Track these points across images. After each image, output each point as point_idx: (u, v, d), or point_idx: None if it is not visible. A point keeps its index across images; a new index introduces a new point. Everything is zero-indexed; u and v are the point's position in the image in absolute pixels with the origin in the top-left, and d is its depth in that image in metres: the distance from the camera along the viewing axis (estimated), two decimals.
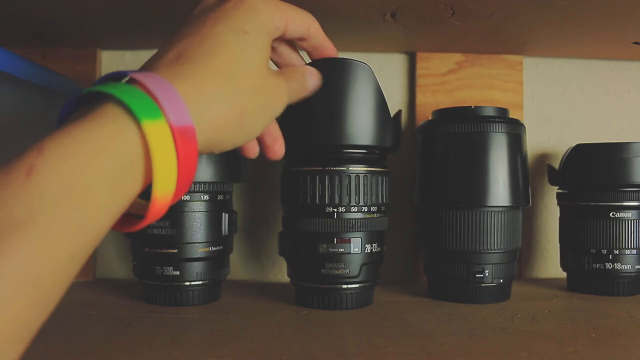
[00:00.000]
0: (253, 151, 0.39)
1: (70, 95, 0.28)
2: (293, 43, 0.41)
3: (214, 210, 0.48)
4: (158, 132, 0.25)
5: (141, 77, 0.27)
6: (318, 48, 0.42)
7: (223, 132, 0.31)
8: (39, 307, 0.22)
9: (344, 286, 0.47)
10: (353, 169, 0.46)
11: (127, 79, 0.28)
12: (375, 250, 0.47)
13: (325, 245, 0.46)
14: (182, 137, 0.26)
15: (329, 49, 0.43)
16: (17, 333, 0.21)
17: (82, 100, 0.28)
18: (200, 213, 0.48)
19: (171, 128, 0.26)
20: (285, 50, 0.41)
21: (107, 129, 0.25)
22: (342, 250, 0.46)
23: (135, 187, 0.26)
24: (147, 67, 0.30)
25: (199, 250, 0.48)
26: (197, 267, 0.48)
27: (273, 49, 0.40)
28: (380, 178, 0.47)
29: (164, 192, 0.26)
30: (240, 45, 0.32)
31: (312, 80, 0.41)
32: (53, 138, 0.23)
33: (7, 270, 0.20)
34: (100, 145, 0.24)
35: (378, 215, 0.47)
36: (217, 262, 0.49)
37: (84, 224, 0.23)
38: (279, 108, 0.36)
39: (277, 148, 0.40)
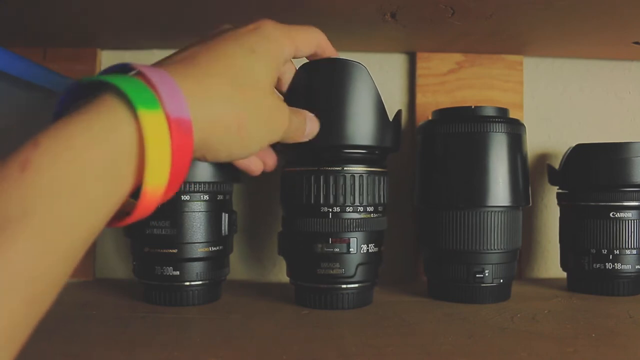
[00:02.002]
0: (254, 168, 0.43)
1: (70, 85, 0.28)
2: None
3: (214, 210, 0.48)
4: (154, 121, 0.25)
5: (144, 69, 0.27)
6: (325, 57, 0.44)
7: (220, 135, 0.31)
8: (33, 306, 0.21)
9: (343, 286, 0.47)
10: (349, 169, 0.46)
11: (134, 72, 0.27)
12: (372, 250, 0.47)
13: (320, 245, 0.46)
14: (178, 129, 0.26)
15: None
16: (10, 333, 0.21)
17: (82, 91, 0.28)
18: (200, 213, 0.48)
19: (167, 119, 0.26)
20: None
21: (103, 121, 0.24)
22: (337, 250, 0.46)
23: (130, 180, 0.25)
24: (153, 65, 0.30)
25: (199, 250, 0.48)
26: (197, 267, 0.48)
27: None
28: (378, 178, 0.47)
29: (155, 185, 0.26)
30: (246, 61, 0.33)
31: (311, 125, 0.42)
32: (49, 132, 0.23)
33: (1, 269, 0.20)
34: (95, 138, 0.24)
35: (375, 215, 0.47)
36: (217, 262, 0.49)
37: (78, 219, 0.23)
38: (279, 131, 0.37)
39: (271, 165, 0.44)
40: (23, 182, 0.21)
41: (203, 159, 0.32)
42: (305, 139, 0.42)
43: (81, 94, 0.28)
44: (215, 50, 0.32)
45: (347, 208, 0.46)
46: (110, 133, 0.24)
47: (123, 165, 0.25)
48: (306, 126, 0.41)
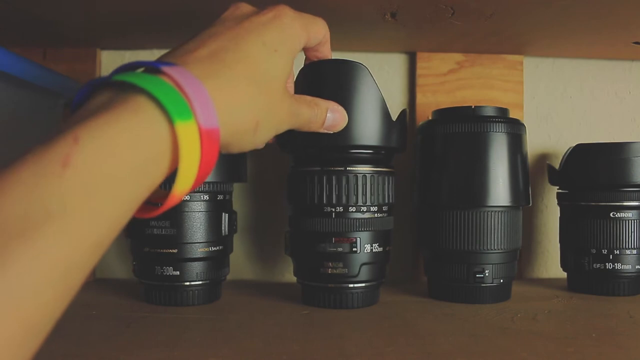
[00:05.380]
0: None
1: (96, 80, 0.28)
2: None
3: (214, 210, 0.48)
4: (188, 133, 0.26)
5: (174, 73, 0.27)
6: (319, 55, 0.44)
7: (239, 137, 0.32)
8: (65, 297, 0.22)
9: (350, 285, 0.47)
10: (356, 169, 0.46)
11: (157, 70, 0.28)
12: (377, 250, 0.47)
13: (326, 245, 0.46)
14: (208, 139, 0.27)
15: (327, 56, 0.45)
16: (42, 324, 0.22)
17: (99, 85, 0.28)
18: (200, 213, 0.48)
19: (200, 130, 0.27)
20: None
21: (140, 124, 0.25)
22: (342, 249, 0.46)
23: (158, 179, 0.27)
24: (176, 58, 0.30)
25: (199, 250, 0.48)
26: (197, 267, 0.48)
27: None
28: (385, 178, 0.47)
29: (182, 189, 0.27)
30: (269, 62, 0.34)
31: (332, 118, 0.42)
32: (87, 127, 0.24)
33: (41, 264, 0.21)
34: (132, 140, 0.25)
35: (381, 215, 0.47)
36: (217, 262, 0.49)
37: (111, 214, 0.24)
38: (284, 127, 0.37)
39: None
40: (64, 179, 0.22)
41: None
42: (325, 131, 0.42)
43: (99, 88, 0.28)
44: (239, 47, 0.33)
45: (353, 208, 0.46)
46: (146, 136, 0.25)
47: (155, 167, 0.26)
48: (324, 118, 0.41)
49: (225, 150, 0.33)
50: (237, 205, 0.57)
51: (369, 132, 0.45)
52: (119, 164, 0.24)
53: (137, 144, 0.25)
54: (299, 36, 0.37)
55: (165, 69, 0.27)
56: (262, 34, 0.34)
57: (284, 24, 0.36)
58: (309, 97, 0.41)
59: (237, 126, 0.31)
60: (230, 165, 0.49)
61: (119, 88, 0.27)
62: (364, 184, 0.46)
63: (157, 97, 0.26)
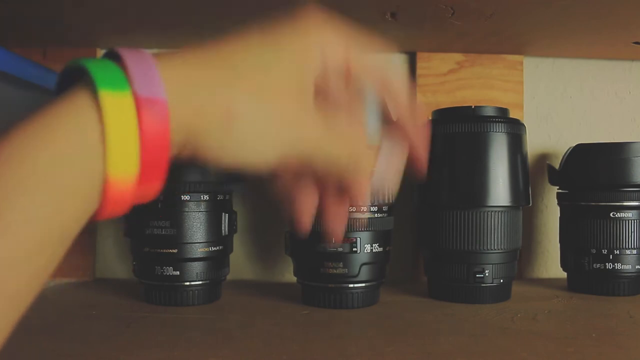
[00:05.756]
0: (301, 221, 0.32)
1: (57, 77, 0.26)
2: None
3: (214, 210, 0.48)
4: (117, 102, 0.22)
5: (123, 50, 0.24)
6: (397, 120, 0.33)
7: (205, 126, 0.25)
8: (10, 302, 0.21)
9: (350, 285, 0.47)
10: None
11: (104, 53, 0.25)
12: (377, 250, 0.47)
13: (326, 245, 0.46)
14: (148, 110, 0.23)
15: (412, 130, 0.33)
16: None
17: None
18: (200, 213, 0.48)
19: (136, 99, 0.23)
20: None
21: (69, 108, 0.22)
22: (342, 249, 0.46)
23: (102, 169, 0.23)
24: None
25: (199, 250, 0.48)
26: (197, 267, 0.48)
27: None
28: None
29: (121, 174, 0.23)
30: (263, 53, 0.27)
31: (392, 163, 0.31)
32: (20, 125, 0.22)
33: None
34: (61, 128, 0.22)
35: (381, 215, 0.47)
36: (217, 262, 0.49)
37: (46, 212, 0.21)
38: (303, 140, 0.28)
39: (306, 220, 0.32)
40: None
41: (202, 160, 0.27)
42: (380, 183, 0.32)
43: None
44: (229, 41, 0.27)
45: (353, 208, 0.46)
46: (75, 120, 0.22)
47: (92, 154, 0.22)
48: (383, 166, 0.31)
49: (203, 149, 0.26)
50: (237, 205, 0.57)
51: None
52: (49, 157, 0.21)
53: (65, 131, 0.22)
54: (324, 42, 0.29)
55: (117, 49, 0.25)
56: (268, 29, 0.28)
57: (302, 26, 0.29)
58: (347, 130, 0.30)
59: (197, 108, 0.25)
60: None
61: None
62: None
63: (89, 70, 0.23)
